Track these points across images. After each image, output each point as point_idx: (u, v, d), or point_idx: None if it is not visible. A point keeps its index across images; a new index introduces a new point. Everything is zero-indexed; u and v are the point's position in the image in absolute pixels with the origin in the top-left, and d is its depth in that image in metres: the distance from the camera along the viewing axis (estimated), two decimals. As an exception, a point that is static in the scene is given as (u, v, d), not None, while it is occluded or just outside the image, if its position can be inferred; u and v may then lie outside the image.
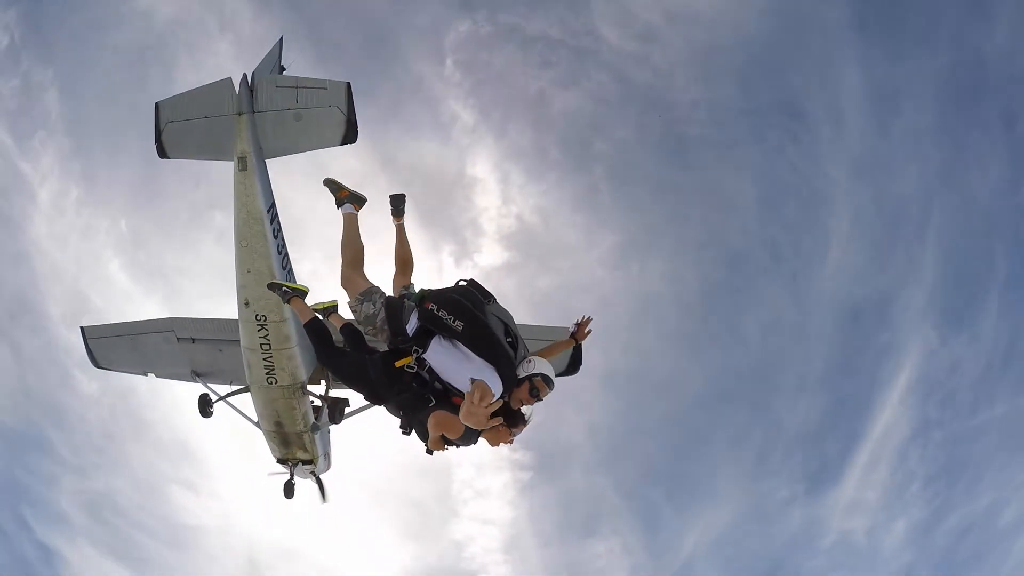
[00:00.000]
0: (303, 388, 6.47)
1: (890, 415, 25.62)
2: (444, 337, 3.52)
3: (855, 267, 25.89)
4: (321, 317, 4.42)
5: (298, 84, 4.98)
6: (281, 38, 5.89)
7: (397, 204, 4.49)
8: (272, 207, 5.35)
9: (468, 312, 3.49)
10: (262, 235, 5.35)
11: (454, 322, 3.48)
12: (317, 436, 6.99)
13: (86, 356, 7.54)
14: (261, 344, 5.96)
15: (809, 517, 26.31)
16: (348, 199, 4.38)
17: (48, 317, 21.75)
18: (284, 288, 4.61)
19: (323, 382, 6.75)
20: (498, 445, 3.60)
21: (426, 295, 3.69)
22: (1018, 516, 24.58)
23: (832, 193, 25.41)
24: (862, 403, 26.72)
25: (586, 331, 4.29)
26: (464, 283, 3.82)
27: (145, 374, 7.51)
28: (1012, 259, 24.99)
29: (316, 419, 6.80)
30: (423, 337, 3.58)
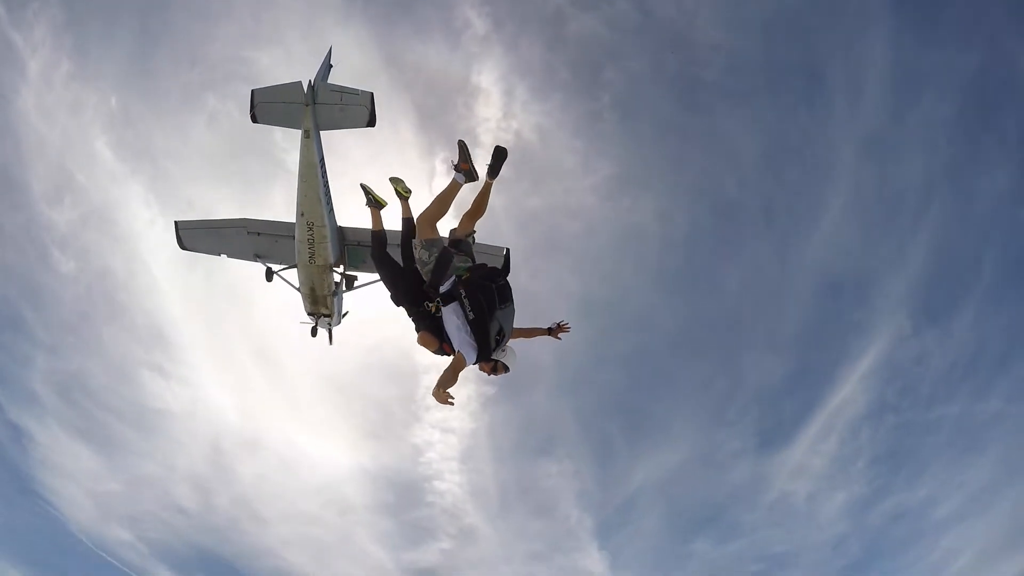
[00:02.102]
0: (330, 267, 10.50)
1: (849, 391, 26.29)
2: (459, 308, 4.64)
3: (844, 242, 25.46)
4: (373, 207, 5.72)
5: (342, 91, 8.69)
6: (331, 48, 9.47)
7: (497, 163, 4.96)
8: (322, 160, 9.16)
9: (481, 311, 4.58)
10: (315, 175, 9.18)
11: (469, 310, 4.61)
12: (335, 299, 11.12)
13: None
14: (308, 239, 9.91)
15: (755, 473, 27.62)
16: (465, 171, 5.00)
17: (30, 193, 21.56)
18: (371, 196, 5.81)
19: (342, 266, 10.78)
20: (437, 399, 4.35)
21: (465, 279, 4.71)
22: (951, 513, 25.76)
23: (836, 165, 24.56)
24: (825, 374, 27.17)
25: (561, 334, 5.35)
26: (501, 280, 4.74)
27: (219, 255, 11.26)
28: (999, 268, 24.68)
29: (336, 287, 10.91)
30: (447, 297, 4.69)
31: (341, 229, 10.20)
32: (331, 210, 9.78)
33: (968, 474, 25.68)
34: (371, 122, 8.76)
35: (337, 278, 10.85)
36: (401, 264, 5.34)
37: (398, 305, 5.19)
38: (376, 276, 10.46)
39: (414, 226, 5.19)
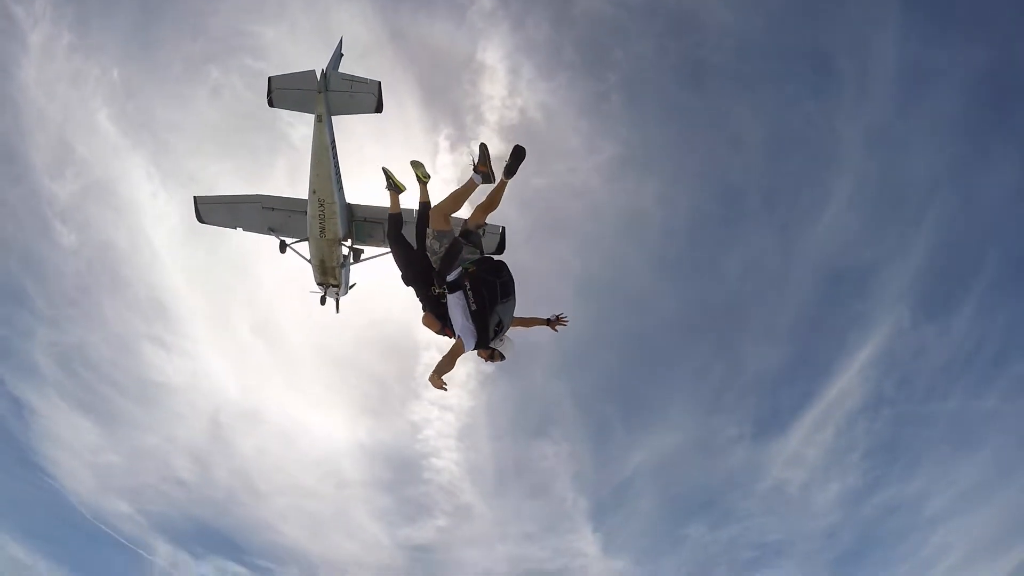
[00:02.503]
0: (339, 241, 11.41)
1: (847, 382, 25.90)
2: (462, 298, 4.92)
3: (847, 233, 24.92)
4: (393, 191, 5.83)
5: (352, 79, 9.50)
6: (341, 38, 10.23)
7: (515, 163, 5.18)
8: (333, 142, 10.01)
9: (483, 304, 4.89)
10: (327, 156, 10.04)
11: (472, 302, 4.91)
12: (343, 271, 12.05)
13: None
14: (319, 214, 10.81)
15: (751, 460, 27.22)
16: (483, 173, 5.31)
17: (30, 166, 21.07)
18: (391, 180, 5.94)
19: (350, 239, 11.69)
20: (433, 384, 4.84)
21: (471, 273, 4.94)
22: (943, 509, 25.39)
23: (841, 156, 23.94)
24: (823, 364, 26.78)
25: (559, 326, 5.66)
26: (504, 277, 4.97)
27: (235, 228, 12.16)
28: (1002, 266, 24.31)
29: (344, 260, 11.84)
30: (453, 286, 4.98)
31: (350, 206, 11.09)
32: (341, 188, 10.66)
33: (961, 471, 25.46)
34: (378, 108, 9.59)
35: (345, 251, 11.77)
36: (414, 246, 5.64)
37: (408, 285, 5.47)
38: (382, 251, 11.45)
39: (430, 210, 5.54)
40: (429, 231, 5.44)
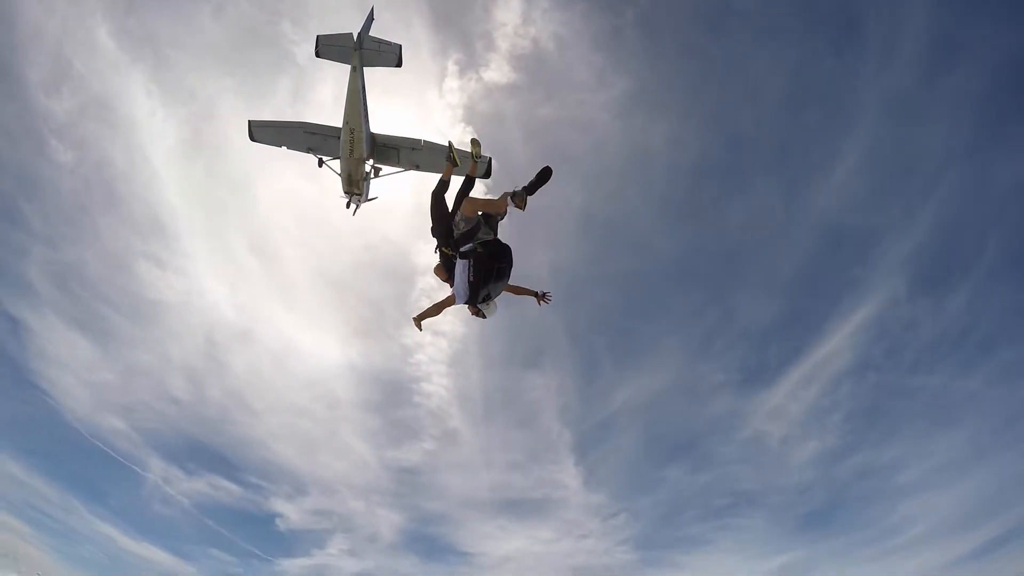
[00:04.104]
0: (364, 160, 15.08)
1: (836, 343, 26.12)
2: (466, 268, 6.42)
3: (853, 196, 24.60)
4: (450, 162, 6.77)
5: (380, 41, 12.88)
6: (372, 7, 13.41)
7: (539, 183, 6.33)
8: (364, 88, 13.49)
9: (479, 278, 6.33)
10: (358, 98, 13.59)
11: (471, 273, 6.37)
12: (365, 184, 15.80)
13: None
14: (349, 139, 14.41)
15: (734, 408, 27.94)
16: (517, 206, 6.43)
17: (26, 83, 21.01)
18: (451, 153, 6.99)
19: (371, 159, 15.34)
20: (414, 322, 6.71)
21: (478, 253, 6.28)
22: (915, 481, 25.55)
23: (857, 118, 23.51)
24: (815, 323, 27.04)
25: (543, 302, 6.79)
26: (504, 263, 6.28)
27: (280, 147, 15.62)
28: (1003, 252, 24.07)
29: (367, 175, 15.56)
30: (463, 255, 6.42)
31: (373, 134, 14.66)
32: (367, 120, 14.21)
33: (937, 446, 25.66)
34: (399, 64, 13.01)
35: (368, 168, 15.46)
36: (449, 210, 6.63)
37: (432, 236, 6.61)
38: (396, 170, 15.18)
39: (473, 182, 6.59)
40: (459, 216, 6.48)
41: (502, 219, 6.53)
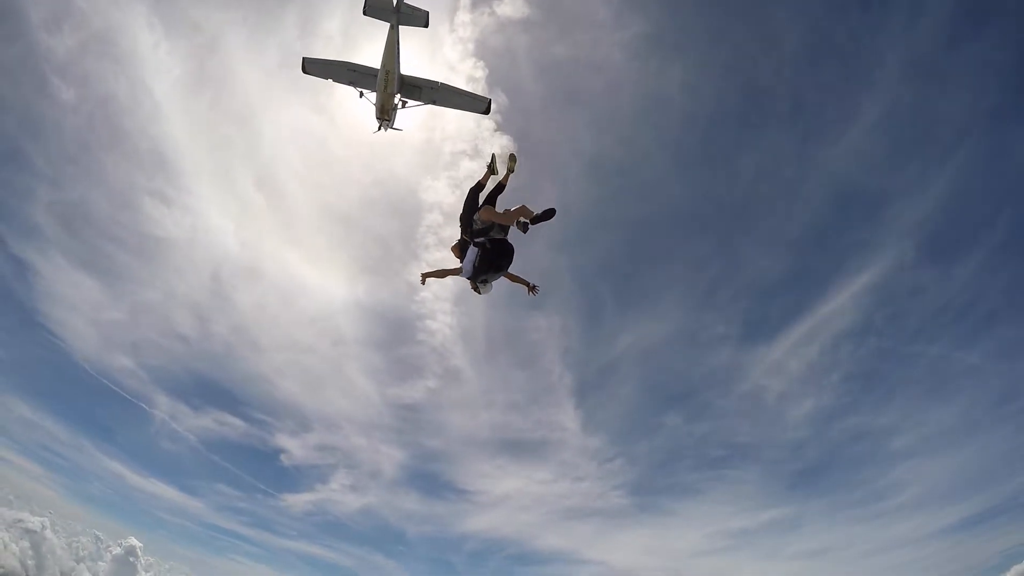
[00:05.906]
0: (394, 94, 19.70)
1: (839, 304, 26.13)
2: (475, 255, 8.23)
3: (868, 156, 24.14)
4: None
5: (414, 7, 17.32)
6: None
7: (542, 218, 7.51)
8: (398, 41, 18.00)
9: (483, 267, 7.96)
10: (394, 50, 18.21)
11: (477, 261, 8.06)
12: (394, 112, 20.43)
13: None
14: (384, 78, 19.05)
15: (735, 361, 29.27)
16: (522, 230, 7.85)
17: (26, 22, 21.80)
18: (491, 164, 8.38)
19: (399, 94, 19.90)
20: (421, 277, 8.79)
21: (486, 248, 7.85)
22: (907, 447, 27.00)
23: (878, 78, 23.30)
24: (819, 281, 27.23)
25: (532, 294, 8.27)
26: (505, 262, 7.79)
27: (327, 79, 19.99)
28: (1017, 226, 23.89)
29: (395, 106, 20.18)
30: (475, 245, 8.10)
31: (403, 76, 19.19)
32: (399, 64, 18.75)
33: (932, 415, 24.89)
34: (426, 24, 17.48)
35: (397, 101, 20.09)
36: (477, 205, 7.95)
37: (459, 220, 7.97)
38: (419, 104, 19.83)
39: (502, 189, 8.11)
40: (478, 216, 7.62)
41: (522, 225, 8.02)
